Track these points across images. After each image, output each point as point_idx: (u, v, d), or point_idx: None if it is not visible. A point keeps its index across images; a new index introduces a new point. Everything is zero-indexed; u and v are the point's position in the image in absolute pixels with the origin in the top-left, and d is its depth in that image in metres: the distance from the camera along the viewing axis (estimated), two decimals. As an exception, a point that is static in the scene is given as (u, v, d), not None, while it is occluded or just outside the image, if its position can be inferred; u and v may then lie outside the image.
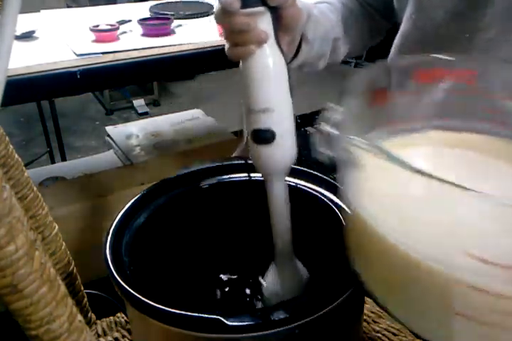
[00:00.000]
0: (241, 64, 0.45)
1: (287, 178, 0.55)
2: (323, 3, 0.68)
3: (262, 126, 0.45)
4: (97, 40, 1.15)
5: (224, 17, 0.44)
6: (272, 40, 0.44)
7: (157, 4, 1.44)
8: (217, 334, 0.38)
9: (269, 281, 0.50)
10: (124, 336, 0.61)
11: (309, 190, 0.53)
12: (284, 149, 0.46)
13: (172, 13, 1.38)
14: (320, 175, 0.54)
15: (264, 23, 0.44)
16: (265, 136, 0.45)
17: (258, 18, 0.43)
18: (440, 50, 0.41)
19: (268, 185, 0.47)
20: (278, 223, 0.48)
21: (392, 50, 0.67)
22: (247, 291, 0.59)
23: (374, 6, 0.71)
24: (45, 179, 1.37)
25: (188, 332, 0.38)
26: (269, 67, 0.44)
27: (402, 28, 0.64)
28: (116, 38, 1.15)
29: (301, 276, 0.51)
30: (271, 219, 0.48)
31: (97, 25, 1.17)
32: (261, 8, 0.43)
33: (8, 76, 0.29)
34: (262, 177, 0.48)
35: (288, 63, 0.60)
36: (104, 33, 1.14)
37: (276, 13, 0.45)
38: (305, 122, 2.18)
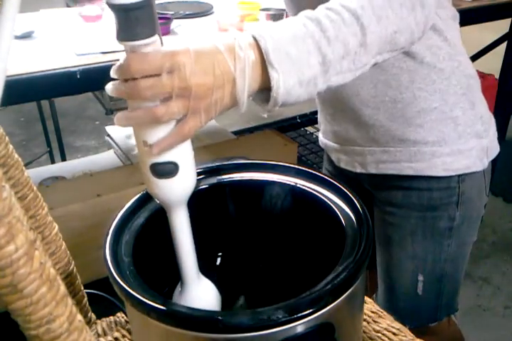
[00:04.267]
0: None
1: (287, 178, 0.55)
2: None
3: (163, 159, 0.43)
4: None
5: None
6: None
7: (157, 4, 1.44)
8: (216, 334, 0.38)
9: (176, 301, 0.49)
10: (124, 336, 0.61)
11: (309, 190, 0.53)
12: (186, 180, 0.45)
13: (172, 12, 1.38)
14: (320, 175, 0.54)
15: None
16: (168, 170, 0.43)
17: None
18: None
19: (170, 215, 0.46)
20: (181, 247, 0.47)
21: None
22: (247, 292, 0.59)
23: None
24: (45, 179, 1.38)
25: (187, 331, 0.38)
26: None
27: None
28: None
29: (209, 295, 0.50)
30: (174, 243, 0.48)
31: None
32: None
33: (8, 76, 0.29)
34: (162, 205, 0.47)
35: None
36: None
37: None
38: (305, 122, 2.18)
